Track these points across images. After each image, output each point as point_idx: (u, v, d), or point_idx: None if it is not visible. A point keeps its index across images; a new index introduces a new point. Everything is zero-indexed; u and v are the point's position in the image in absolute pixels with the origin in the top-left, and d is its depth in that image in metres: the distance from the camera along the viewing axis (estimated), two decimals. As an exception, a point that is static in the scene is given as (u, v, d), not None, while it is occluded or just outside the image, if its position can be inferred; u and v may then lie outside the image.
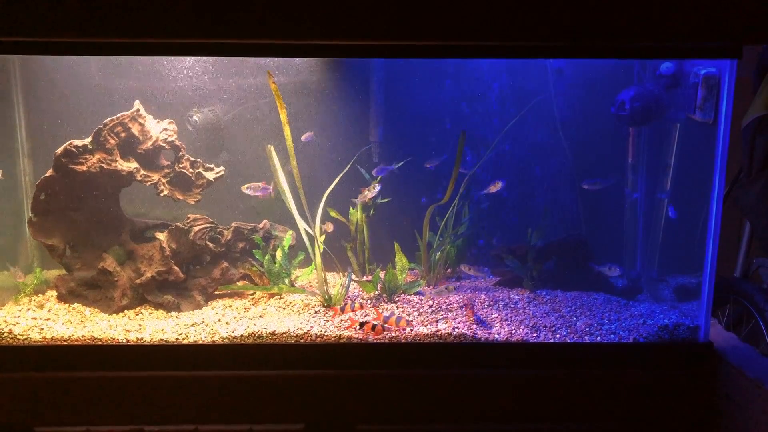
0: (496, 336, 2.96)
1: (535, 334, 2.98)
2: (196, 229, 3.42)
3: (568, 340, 2.94)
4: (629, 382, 2.85)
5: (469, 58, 3.57)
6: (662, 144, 3.58)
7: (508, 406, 2.86)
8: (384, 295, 3.47)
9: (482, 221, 3.96)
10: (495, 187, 3.54)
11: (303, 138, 3.64)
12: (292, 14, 2.43)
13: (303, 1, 2.42)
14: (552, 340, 2.94)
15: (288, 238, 3.58)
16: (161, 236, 3.35)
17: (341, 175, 3.57)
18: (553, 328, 3.04)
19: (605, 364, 2.88)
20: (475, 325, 3.04)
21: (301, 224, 3.42)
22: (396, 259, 3.57)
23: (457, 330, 2.99)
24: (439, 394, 2.86)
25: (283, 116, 3.15)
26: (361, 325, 2.98)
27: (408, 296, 3.49)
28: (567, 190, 3.84)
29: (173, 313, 3.25)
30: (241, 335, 2.94)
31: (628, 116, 3.35)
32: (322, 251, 3.44)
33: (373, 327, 2.96)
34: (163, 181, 3.38)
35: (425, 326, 3.04)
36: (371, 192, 3.58)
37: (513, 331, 3.00)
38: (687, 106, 3.06)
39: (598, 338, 2.97)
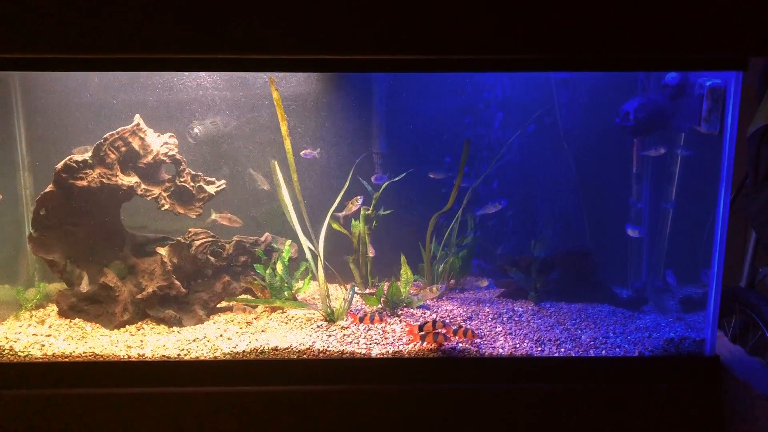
0: (501, 351, 2.93)
1: (539, 348, 2.95)
2: (198, 243, 3.40)
3: (573, 354, 2.91)
4: (634, 396, 2.82)
5: (473, 71, 3.54)
6: (667, 153, 3.55)
7: (513, 422, 2.84)
8: (387, 308, 3.45)
9: (487, 233, 3.94)
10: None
11: (302, 154, 3.63)
12: (287, 29, 2.42)
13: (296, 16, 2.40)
14: (557, 354, 2.91)
15: (287, 249, 3.55)
16: (162, 251, 3.33)
17: (343, 191, 3.55)
18: (558, 342, 3.01)
19: (610, 379, 2.85)
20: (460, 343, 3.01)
21: (304, 241, 3.39)
22: (401, 272, 3.54)
23: (461, 345, 2.96)
24: (443, 408, 2.84)
25: (284, 128, 3.12)
26: (421, 327, 2.95)
27: (411, 310, 3.46)
28: (572, 200, 3.81)
29: (175, 328, 3.23)
30: (243, 351, 2.91)
31: (632, 126, 3.32)
32: (324, 265, 3.42)
33: (434, 323, 2.95)
34: (164, 195, 3.36)
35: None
36: (355, 205, 3.57)
37: (517, 345, 2.97)
38: (692, 118, 3.03)
39: (603, 352, 2.93)
